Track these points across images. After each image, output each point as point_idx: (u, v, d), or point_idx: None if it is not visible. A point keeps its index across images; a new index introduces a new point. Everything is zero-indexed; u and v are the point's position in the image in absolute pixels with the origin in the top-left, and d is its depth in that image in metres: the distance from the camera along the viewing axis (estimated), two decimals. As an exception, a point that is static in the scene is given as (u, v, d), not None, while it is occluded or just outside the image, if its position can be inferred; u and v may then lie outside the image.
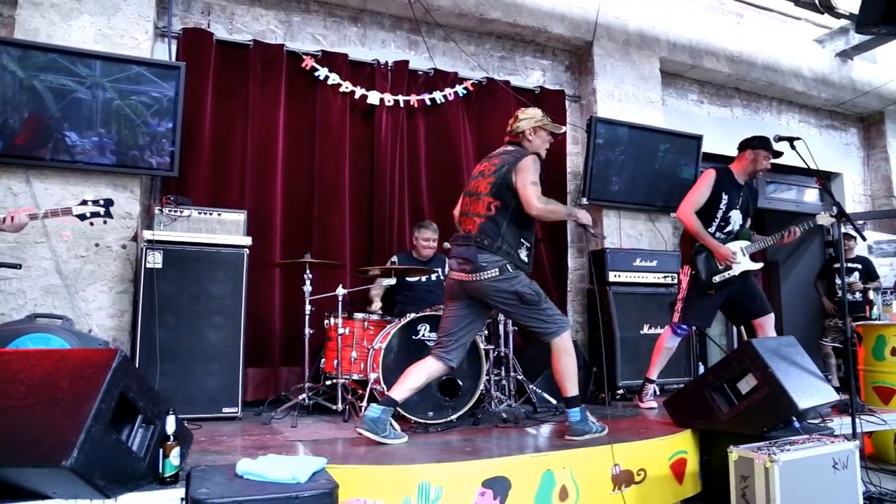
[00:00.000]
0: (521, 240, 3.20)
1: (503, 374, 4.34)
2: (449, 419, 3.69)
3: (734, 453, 2.62)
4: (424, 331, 3.83)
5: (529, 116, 3.40)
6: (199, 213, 3.95)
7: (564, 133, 3.52)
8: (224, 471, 2.26)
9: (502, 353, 4.33)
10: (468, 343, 3.38)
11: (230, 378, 3.83)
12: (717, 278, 4.02)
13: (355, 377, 3.97)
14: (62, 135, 3.96)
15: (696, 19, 6.37)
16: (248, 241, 4.01)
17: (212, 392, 3.78)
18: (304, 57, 4.89)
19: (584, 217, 3.25)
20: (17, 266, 3.59)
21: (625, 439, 3.10)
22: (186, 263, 3.82)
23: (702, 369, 5.32)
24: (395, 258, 4.64)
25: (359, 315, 4.11)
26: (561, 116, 5.66)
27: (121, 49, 4.20)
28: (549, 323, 3.18)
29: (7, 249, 3.83)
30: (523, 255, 3.20)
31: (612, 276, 5.17)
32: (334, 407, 3.86)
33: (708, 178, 4.08)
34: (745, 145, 4.19)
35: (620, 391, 4.89)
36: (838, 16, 6.13)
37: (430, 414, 3.67)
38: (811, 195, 7.64)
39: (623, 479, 2.93)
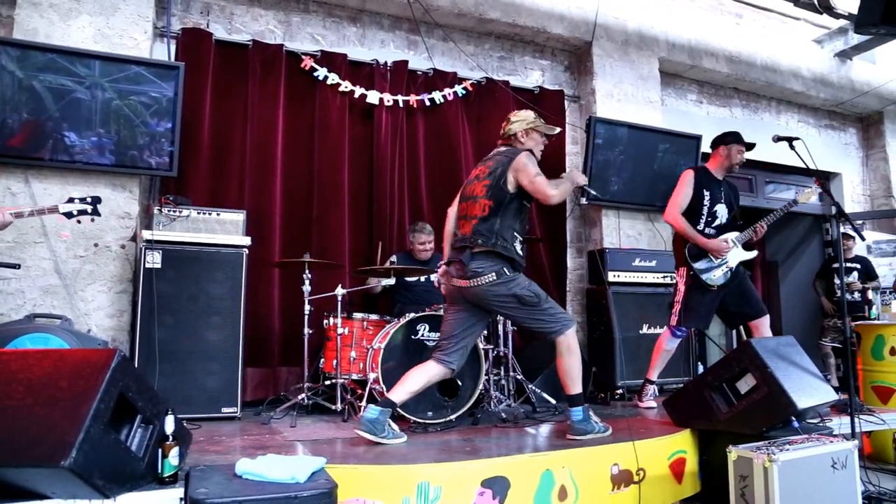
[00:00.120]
0: (515, 233, 3.21)
1: (502, 373, 4.34)
2: (448, 419, 3.69)
3: (733, 453, 2.62)
4: (424, 331, 3.83)
5: (521, 119, 3.40)
6: (199, 213, 3.94)
7: (563, 133, 3.51)
8: (223, 471, 2.26)
9: (501, 353, 4.33)
10: (469, 346, 3.38)
11: (229, 378, 3.83)
12: (717, 274, 4.01)
13: (354, 377, 3.97)
14: (61, 135, 3.96)
15: (696, 19, 6.38)
16: (247, 241, 4.00)
17: (211, 392, 3.77)
18: (304, 57, 4.89)
19: (581, 179, 3.35)
20: (16, 266, 3.60)
21: (624, 439, 3.09)
22: (185, 263, 3.82)
23: (701, 369, 5.32)
24: (394, 258, 4.64)
25: (358, 315, 4.11)
26: (560, 116, 5.66)
27: (120, 49, 4.20)
28: (552, 322, 3.18)
29: (6, 249, 3.83)
30: (518, 247, 3.20)
31: (612, 276, 5.17)
32: (333, 407, 3.86)
33: (687, 178, 4.14)
34: (717, 142, 4.29)
35: (620, 391, 4.89)
36: (837, 16, 6.14)
37: (430, 414, 3.67)
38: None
39: (622, 479, 2.93)
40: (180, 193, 4.24)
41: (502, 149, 3.38)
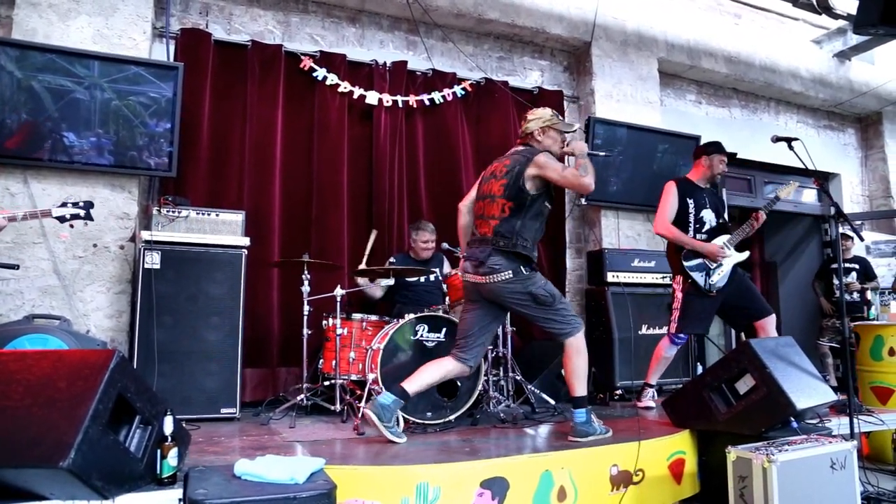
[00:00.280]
0: (536, 233, 3.24)
1: (501, 374, 4.34)
2: (447, 419, 3.69)
3: (732, 453, 2.62)
4: (423, 331, 3.83)
5: (538, 117, 3.41)
6: (198, 213, 3.94)
7: (576, 131, 3.52)
8: (222, 471, 2.26)
9: (501, 354, 4.33)
10: (486, 344, 3.40)
11: (228, 378, 3.82)
12: (714, 278, 4.02)
13: (353, 378, 3.97)
14: (60, 135, 3.95)
15: (695, 20, 6.38)
16: (246, 241, 4.00)
17: (210, 392, 3.77)
18: (303, 57, 4.89)
19: (586, 147, 3.40)
20: (14, 266, 3.59)
21: (623, 440, 3.10)
22: (184, 264, 3.82)
23: (700, 370, 5.32)
24: (393, 259, 4.64)
25: (357, 315, 4.11)
26: (559, 117, 5.66)
27: (119, 49, 4.19)
28: (563, 323, 3.20)
29: (5, 250, 3.83)
30: (535, 249, 3.24)
31: (611, 277, 5.18)
32: (332, 407, 3.86)
33: (670, 189, 4.17)
34: (699, 153, 4.35)
35: (619, 391, 4.89)
36: (836, 16, 6.14)
37: (429, 414, 3.67)
38: (809, 195, 7.65)
39: (621, 480, 2.94)
40: (179, 194, 4.23)
41: (520, 148, 3.39)
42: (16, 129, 3.87)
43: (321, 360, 4.17)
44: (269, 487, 2.08)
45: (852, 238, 5.84)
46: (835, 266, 5.88)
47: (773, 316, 4.12)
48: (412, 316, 3.83)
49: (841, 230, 5.28)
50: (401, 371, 3.64)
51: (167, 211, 3.86)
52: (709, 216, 4.16)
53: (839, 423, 3.50)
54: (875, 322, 4.82)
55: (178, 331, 3.75)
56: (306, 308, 3.99)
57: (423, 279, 4.57)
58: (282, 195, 4.76)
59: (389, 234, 5.01)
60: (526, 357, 4.74)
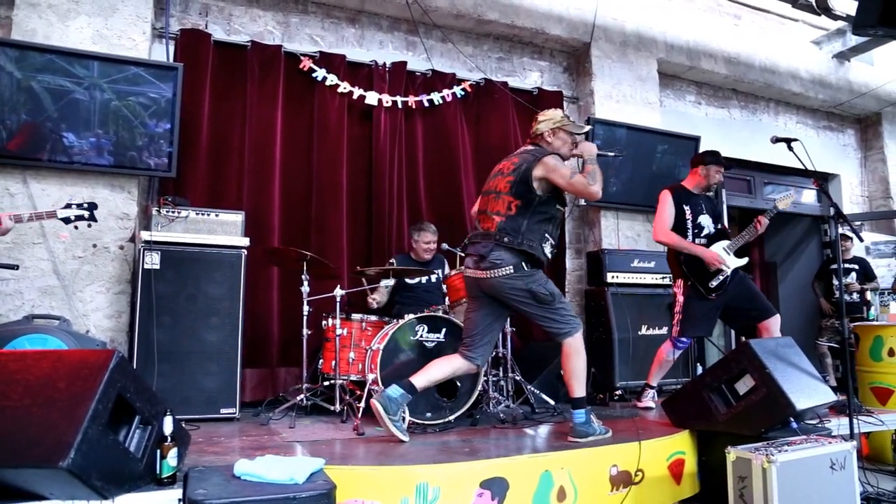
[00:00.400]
0: (546, 234, 3.21)
1: (501, 374, 4.34)
2: (447, 420, 3.69)
3: (732, 454, 2.62)
4: (423, 331, 3.83)
5: (548, 118, 3.40)
6: (197, 213, 3.94)
7: (587, 133, 3.50)
8: (222, 471, 2.26)
9: (500, 354, 4.33)
10: (492, 343, 3.40)
11: (228, 379, 3.82)
12: (713, 282, 4.02)
13: (353, 378, 3.97)
14: (60, 136, 3.95)
15: (694, 21, 6.39)
16: (245, 241, 4.00)
17: (209, 393, 3.77)
18: (302, 58, 4.89)
19: (595, 148, 3.36)
20: (14, 267, 3.59)
21: (623, 440, 3.10)
22: (184, 264, 3.82)
23: (700, 370, 5.32)
24: (393, 260, 4.64)
25: (356, 316, 4.11)
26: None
27: (118, 50, 4.19)
28: (562, 323, 3.19)
29: (4, 250, 3.83)
30: (547, 249, 3.22)
31: (610, 277, 5.18)
32: (332, 408, 3.86)
33: (666, 197, 4.17)
34: (696, 161, 4.32)
35: (618, 392, 4.89)
36: (835, 17, 6.15)
37: (428, 415, 3.67)
38: (809, 196, 7.66)
39: (621, 480, 2.93)
40: (179, 194, 4.23)
41: (529, 147, 3.39)
42: (15, 129, 3.87)
43: (321, 361, 4.17)
44: (269, 487, 2.08)
45: (852, 239, 5.85)
46: (834, 266, 5.89)
47: (778, 316, 4.09)
48: (412, 316, 3.83)
49: (840, 231, 5.28)
50: (400, 371, 3.64)
51: (167, 211, 3.86)
52: (707, 222, 4.15)
53: (839, 424, 3.50)
54: (874, 322, 4.82)
55: (178, 331, 3.75)
56: (306, 308, 3.99)
57: (423, 280, 4.57)
58: (281, 196, 4.76)
59: (389, 235, 5.01)
60: (526, 357, 4.74)
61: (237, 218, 4.03)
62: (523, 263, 3.13)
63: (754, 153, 6.66)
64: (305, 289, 4.00)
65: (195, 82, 4.47)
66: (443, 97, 5.31)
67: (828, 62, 7.18)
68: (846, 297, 5.39)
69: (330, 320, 4.03)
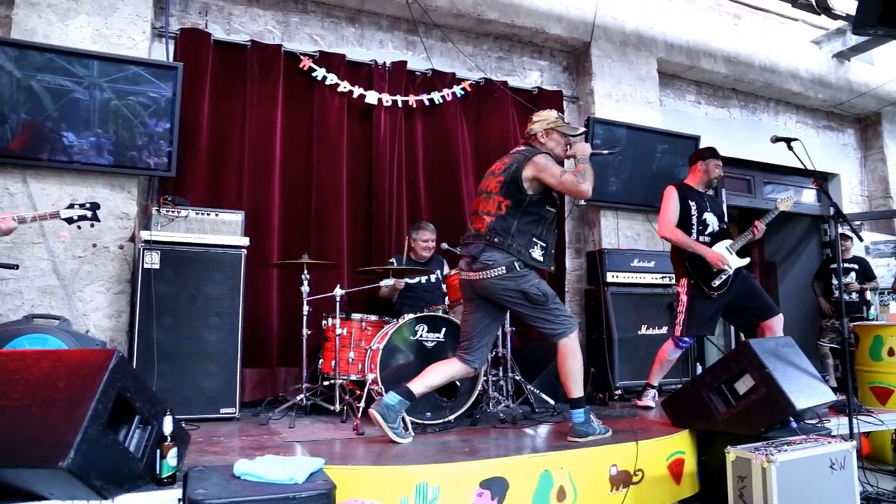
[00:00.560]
0: (535, 238, 3.17)
1: (501, 374, 4.34)
2: (447, 420, 3.69)
3: (732, 454, 2.62)
4: (422, 331, 3.83)
5: (542, 119, 3.40)
6: (197, 213, 3.94)
7: (582, 134, 3.49)
8: (221, 471, 2.26)
9: (500, 354, 4.33)
10: (489, 345, 3.39)
11: (228, 379, 3.82)
12: (716, 281, 4.03)
13: (353, 378, 3.97)
14: (59, 135, 3.95)
15: (694, 20, 6.38)
16: (245, 241, 4.00)
17: (209, 392, 3.77)
18: (302, 57, 4.88)
19: (588, 149, 3.31)
20: (14, 266, 3.59)
21: (622, 440, 3.10)
22: (184, 264, 3.81)
23: (700, 370, 5.32)
24: (393, 260, 4.64)
25: (356, 316, 4.11)
26: (559, 117, 5.66)
27: (118, 49, 4.19)
28: (556, 324, 3.17)
29: (4, 250, 3.82)
30: (536, 254, 3.17)
31: (610, 277, 5.18)
32: (332, 407, 3.85)
33: (671, 193, 4.18)
34: (694, 158, 4.36)
35: (618, 392, 4.89)
36: (835, 17, 6.15)
37: (428, 414, 3.67)
38: (808, 196, 7.66)
39: (621, 480, 2.94)
40: (179, 194, 4.23)
41: (521, 147, 3.38)
42: (15, 128, 3.86)
43: (321, 360, 4.17)
44: (269, 487, 2.08)
45: (851, 238, 5.84)
46: (834, 266, 5.88)
47: (781, 316, 4.09)
48: (411, 316, 3.83)
49: (840, 230, 5.28)
50: (400, 371, 3.65)
51: (166, 211, 3.86)
52: (711, 220, 4.16)
53: (838, 424, 3.50)
54: (874, 322, 4.82)
55: (178, 331, 3.75)
56: (306, 308, 3.99)
57: (423, 280, 4.57)
58: (281, 195, 4.76)
59: (389, 234, 5.00)
60: (525, 357, 4.74)
61: (237, 217, 4.03)
62: (516, 264, 3.11)
63: (754, 153, 6.66)
64: (305, 289, 4.00)
65: (195, 82, 4.47)
66: (443, 97, 5.30)
67: (828, 62, 7.18)
68: (846, 296, 5.39)
69: (330, 320, 4.03)
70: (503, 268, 3.11)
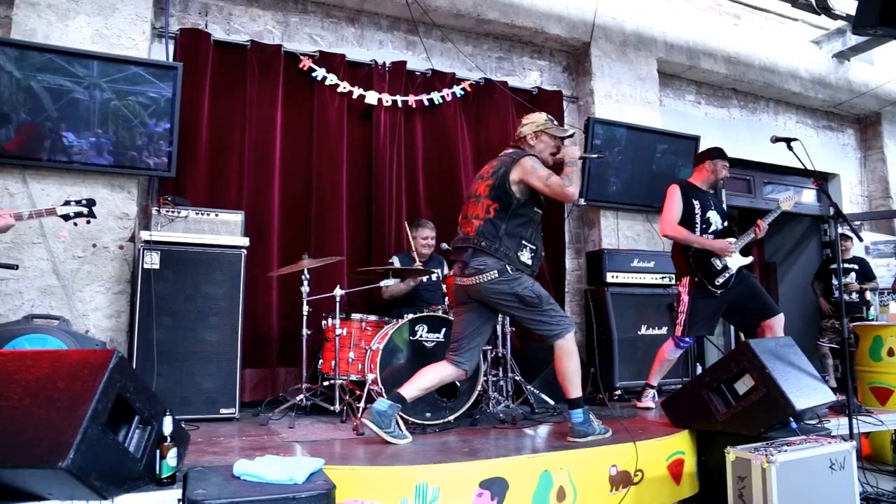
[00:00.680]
0: (524, 241, 3.17)
1: (501, 374, 4.34)
2: (446, 420, 3.69)
3: (731, 454, 2.62)
4: (422, 331, 3.83)
5: (531, 121, 3.39)
6: (197, 213, 3.94)
7: (572, 135, 3.49)
8: (221, 472, 2.26)
9: (500, 354, 4.33)
10: (480, 346, 3.38)
11: (227, 379, 3.82)
12: (719, 279, 4.03)
13: (353, 378, 3.97)
14: (59, 135, 3.95)
15: (694, 20, 6.39)
16: (245, 241, 4.00)
17: (209, 393, 3.77)
18: (302, 57, 4.89)
19: (577, 152, 3.34)
20: (13, 266, 3.59)
21: (622, 440, 3.10)
22: (184, 264, 3.81)
23: (700, 370, 5.32)
24: (393, 259, 4.64)
25: (356, 316, 4.11)
26: (559, 117, 5.65)
27: (118, 49, 4.19)
28: (552, 325, 3.16)
29: (4, 250, 3.82)
30: (525, 257, 3.16)
31: (610, 277, 5.18)
32: (332, 408, 3.85)
33: (675, 191, 4.17)
34: (702, 157, 4.33)
35: (618, 392, 4.89)
36: (835, 17, 6.15)
37: (428, 415, 3.67)
38: (808, 196, 7.66)
39: (621, 480, 2.94)
40: (178, 194, 4.23)
41: (509, 150, 3.37)
42: (15, 129, 3.86)
43: (320, 361, 4.17)
44: (269, 488, 2.08)
45: (851, 238, 5.84)
46: (834, 266, 5.89)
47: (781, 315, 4.08)
48: (411, 316, 3.83)
49: (840, 231, 5.28)
50: (400, 371, 3.65)
51: (166, 211, 3.86)
52: (715, 218, 4.16)
53: (838, 424, 3.50)
54: (874, 322, 4.83)
55: (178, 331, 3.75)
56: (306, 308, 3.99)
57: (423, 279, 4.57)
58: (281, 195, 4.76)
59: (389, 234, 5.01)
60: (525, 357, 4.74)
61: (237, 218, 4.03)
62: (507, 267, 3.11)
63: (754, 153, 6.66)
64: (305, 289, 4.00)
65: (195, 82, 4.47)
66: (442, 97, 5.31)
67: (827, 62, 7.18)
68: (846, 297, 5.39)
69: (329, 320, 4.03)
70: (495, 272, 3.10)
